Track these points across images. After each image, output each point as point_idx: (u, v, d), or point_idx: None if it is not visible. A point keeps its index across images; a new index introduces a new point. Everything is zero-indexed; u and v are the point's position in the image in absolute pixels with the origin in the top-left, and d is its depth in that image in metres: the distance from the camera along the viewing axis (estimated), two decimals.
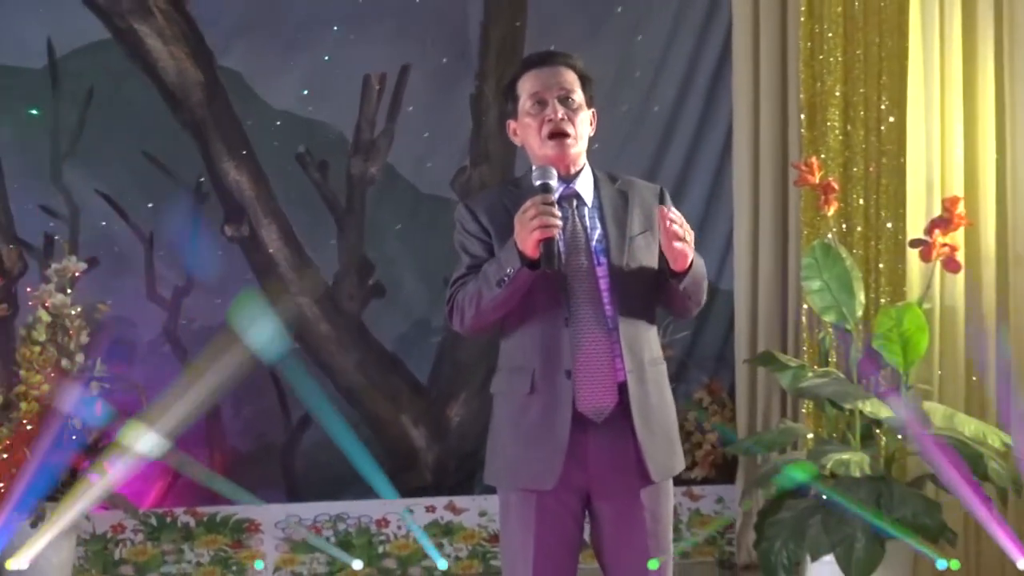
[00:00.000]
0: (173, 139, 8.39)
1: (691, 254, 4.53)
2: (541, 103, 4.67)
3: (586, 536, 4.77)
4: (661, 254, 4.67)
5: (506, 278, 4.46)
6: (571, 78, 4.71)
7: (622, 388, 4.59)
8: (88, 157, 8.30)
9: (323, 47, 8.54)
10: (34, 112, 8.29)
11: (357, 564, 7.73)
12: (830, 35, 7.86)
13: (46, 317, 7.77)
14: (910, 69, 7.59)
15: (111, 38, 8.34)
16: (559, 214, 4.42)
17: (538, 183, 4.49)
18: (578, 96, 4.70)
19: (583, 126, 4.71)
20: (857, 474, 6.70)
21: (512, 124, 4.78)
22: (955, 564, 7.07)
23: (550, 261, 4.39)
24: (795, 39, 8.07)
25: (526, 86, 4.71)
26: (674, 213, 4.50)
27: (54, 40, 8.26)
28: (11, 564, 7.39)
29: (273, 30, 8.48)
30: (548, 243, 4.38)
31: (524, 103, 4.69)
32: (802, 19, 7.95)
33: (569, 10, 8.65)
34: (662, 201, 4.78)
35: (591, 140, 4.80)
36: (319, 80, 8.55)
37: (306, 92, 8.55)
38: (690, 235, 4.51)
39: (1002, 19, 7.61)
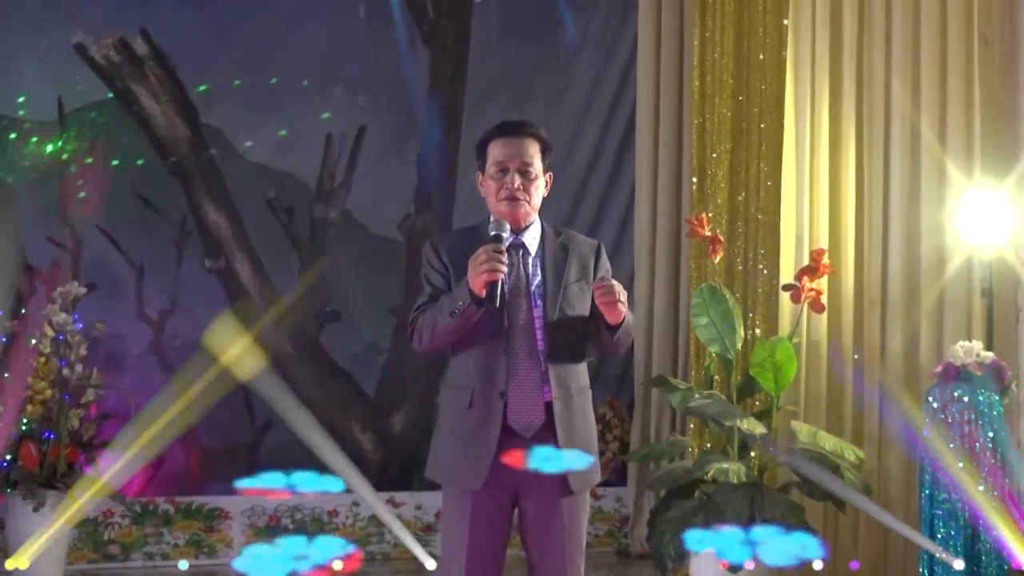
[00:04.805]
0: (163, 184, 8.34)
1: (624, 310, 4.56)
2: (503, 171, 4.69)
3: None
4: (593, 300, 4.71)
5: (457, 310, 4.51)
6: (533, 149, 4.74)
7: (549, 409, 4.62)
8: (91, 197, 8.22)
9: (292, 110, 8.50)
10: (45, 156, 8.23)
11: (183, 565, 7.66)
12: (719, 112, 7.90)
13: (51, 332, 7.70)
14: (785, 142, 7.64)
15: (112, 97, 8.31)
16: (505, 261, 4.47)
17: (492, 234, 4.54)
18: (536, 167, 4.73)
19: (535, 193, 4.75)
20: (735, 480, 6.72)
21: (480, 177, 4.80)
22: None
23: (492, 300, 4.45)
24: (689, 115, 8.10)
25: (494, 152, 4.72)
26: (607, 284, 4.53)
27: (64, 98, 8.21)
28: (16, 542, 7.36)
29: (250, 94, 8.46)
30: (492, 285, 4.43)
31: (490, 167, 4.72)
32: (695, 98, 7.99)
33: (502, 85, 8.65)
34: (598, 256, 4.84)
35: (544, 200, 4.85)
36: (288, 138, 8.52)
37: (277, 147, 8.52)
38: (623, 295, 4.55)
39: (863, 100, 7.69)
